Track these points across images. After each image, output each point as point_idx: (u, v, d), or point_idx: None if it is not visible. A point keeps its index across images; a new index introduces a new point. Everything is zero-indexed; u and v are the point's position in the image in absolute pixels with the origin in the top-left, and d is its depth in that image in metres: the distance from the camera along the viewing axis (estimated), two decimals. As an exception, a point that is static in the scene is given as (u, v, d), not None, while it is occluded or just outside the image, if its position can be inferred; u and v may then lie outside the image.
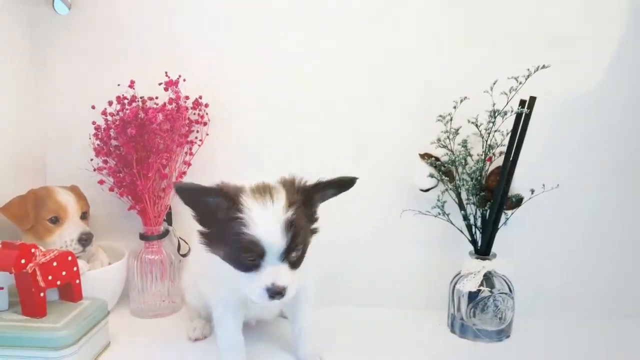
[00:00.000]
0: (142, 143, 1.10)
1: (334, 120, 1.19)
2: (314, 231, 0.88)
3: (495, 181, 1.07)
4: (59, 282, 1.01)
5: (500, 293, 1.08)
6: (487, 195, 1.08)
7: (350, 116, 1.18)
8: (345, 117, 1.18)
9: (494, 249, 1.10)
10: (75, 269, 1.04)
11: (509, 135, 1.02)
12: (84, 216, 1.17)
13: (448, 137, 1.06)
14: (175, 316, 1.22)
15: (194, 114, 1.19)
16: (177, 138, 1.13)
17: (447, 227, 1.12)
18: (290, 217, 0.80)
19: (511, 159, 1.04)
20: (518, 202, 1.10)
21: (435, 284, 1.18)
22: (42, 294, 0.98)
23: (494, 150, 1.06)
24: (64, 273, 1.02)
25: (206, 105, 1.19)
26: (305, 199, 0.84)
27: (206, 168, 1.23)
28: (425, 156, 1.11)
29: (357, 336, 1.11)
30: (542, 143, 1.11)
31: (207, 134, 1.23)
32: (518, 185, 1.08)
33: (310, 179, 0.86)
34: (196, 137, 1.21)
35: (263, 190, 0.81)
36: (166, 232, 1.23)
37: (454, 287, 1.11)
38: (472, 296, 1.08)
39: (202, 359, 1.03)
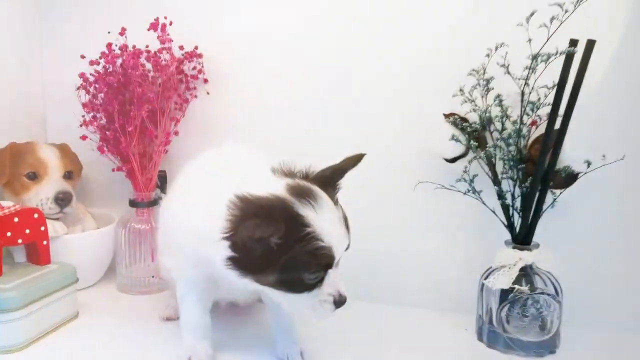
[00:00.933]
0: (126, 94, 0.98)
1: (345, 77, 1.01)
2: None
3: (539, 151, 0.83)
4: (20, 241, 0.91)
5: (542, 294, 0.84)
6: (530, 169, 0.85)
7: (361, 70, 1.00)
8: (355, 70, 1.00)
9: (536, 239, 0.87)
10: (42, 228, 0.94)
11: (555, 87, 0.79)
12: (69, 176, 1.07)
13: (477, 88, 0.84)
14: (165, 294, 1.07)
15: (192, 68, 1.05)
16: (164, 91, 0.99)
17: (478, 209, 0.90)
18: (343, 213, 0.69)
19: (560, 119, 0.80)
20: (570, 178, 0.85)
21: (463, 280, 0.96)
22: (-4, 251, 0.87)
23: (537, 111, 0.82)
24: (27, 231, 0.91)
25: (199, 56, 1.05)
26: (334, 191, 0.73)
27: (203, 130, 1.09)
28: (450, 116, 0.90)
29: (360, 335, 0.91)
30: (602, 99, 0.85)
31: (208, 93, 1.09)
32: (570, 155, 0.83)
33: (308, 165, 0.73)
34: (192, 94, 1.07)
35: (306, 194, 0.66)
36: (157, 200, 1.09)
37: (483, 283, 0.88)
38: (505, 296, 0.85)
39: (171, 340, 0.87)
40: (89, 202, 1.20)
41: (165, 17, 1.01)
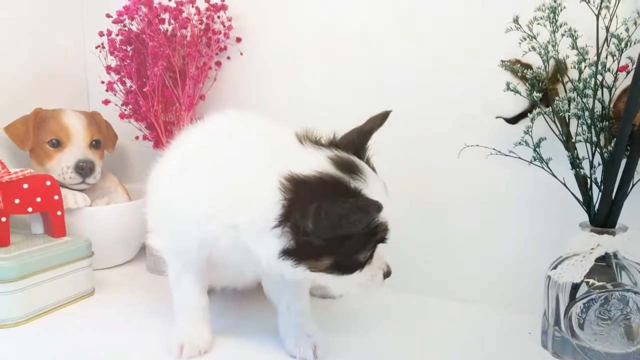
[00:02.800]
0: (145, 53, 0.90)
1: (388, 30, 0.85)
2: None
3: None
4: (30, 209, 0.86)
5: (627, 291, 0.64)
6: (617, 129, 0.65)
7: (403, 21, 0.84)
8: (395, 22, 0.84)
9: (623, 220, 0.66)
10: (56, 197, 0.88)
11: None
12: (96, 145, 1.01)
13: (541, 21, 0.65)
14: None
15: (218, 22, 0.95)
16: (186, 48, 0.90)
17: (547, 181, 0.71)
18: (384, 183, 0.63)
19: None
20: (673, 140, 0.64)
21: (528, 271, 0.77)
22: (2, 219, 0.82)
23: (625, 50, 0.62)
24: (38, 199, 0.86)
25: (224, 8, 0.93)
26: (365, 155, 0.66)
27: (235, 94, 0.98)
28: (510, 64, 0.71)
29: (387, 331, 0.76)
30: None
31: (242, 53, 0.99)
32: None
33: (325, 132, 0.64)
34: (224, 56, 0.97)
35: (352, 167, 0.60)
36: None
37: (549, 275, 0.69)
38: (578, 293, 0.66)
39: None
40: (127, 176, 1.14)
41: None
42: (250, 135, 0.66)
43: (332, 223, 0.53)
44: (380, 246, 0.61)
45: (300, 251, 0.57)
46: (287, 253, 0.57)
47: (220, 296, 0.84)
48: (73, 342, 0.73)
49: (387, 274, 0.63)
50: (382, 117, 0.65)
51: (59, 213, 0.88)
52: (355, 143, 0.64)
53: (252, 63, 1.00)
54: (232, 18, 0.96)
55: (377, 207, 0.54)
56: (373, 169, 0.64)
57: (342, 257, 0.58)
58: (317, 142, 0.63)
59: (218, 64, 0.99)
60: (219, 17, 0.95)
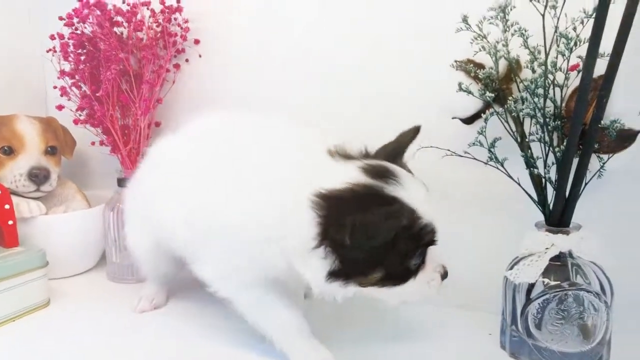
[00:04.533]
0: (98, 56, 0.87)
1: (345, 36, 0.84)
2: None
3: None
4: (-23, 219, 0.83)
5: (582, 290, 0.64)
6: (569, 128, 0.65)
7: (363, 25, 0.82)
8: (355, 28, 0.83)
9: (578, 219, 0.66)
10: (7, 206, 0.85)
11: (594, 14, 0.58)
12: (51, 152, 0.98)
13: (491, 19, 0.64)
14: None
15: (176, 25, 0.93)
16: (138, 51, 0.88)
17: (504, 181, 0.70)
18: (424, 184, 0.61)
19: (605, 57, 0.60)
20: (623, 138, 0.64)
21: (489, 271, 0.76)
22: (-51, 230, 0.80)
23: (575, 49, 0.62)
24: (-13, 209, 0.83)
25: (179, 10, 0.92)
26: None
27: (196, 98, 0.97)
28: (463, 64, 0.70)
29: (356, 335, 0.75)
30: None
31: (200, 56, 0.97)
32: (620, 107, 0.62)
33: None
34: (176, 57, 0.95)
35: (386, 173, 0.58)
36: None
37: (506, 276, 0.69)
38: (533, 293, 0.66)
39: (147, 336, 0.76)
40: (87, 183, 1.12)
41: None
42: (270, 149, 0.63)
43: (368, 234, 0.52)
44: (432, 248, 0.59)
45: (347, 269, 0.54)
46: (333, 274, 0.54)
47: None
48: (26, 355, 0.71)
49: (444, 276, 0.61)
50: (414, 131, 0.65)
51: (10, 222, 0.86)
52: (392, 153, 0.63)
53: (212, 65, 0.98)
54: (188, 20, 0.95)
55: (410, 211, 0.53)
56: (409, 172, 0.62)
57: (392, 268, 0.55)
58: (347, 156, 0.61)
59: (177, 66, 0.97)
60: (175, 19, 0.93)
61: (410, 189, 0.56)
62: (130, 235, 0.83)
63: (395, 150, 0.63)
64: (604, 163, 0.65)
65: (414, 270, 0.58)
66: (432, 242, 0.58)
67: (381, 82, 0.82)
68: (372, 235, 0.52)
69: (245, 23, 0.94)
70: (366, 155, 0.62)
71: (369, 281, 0.56)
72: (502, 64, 0.67)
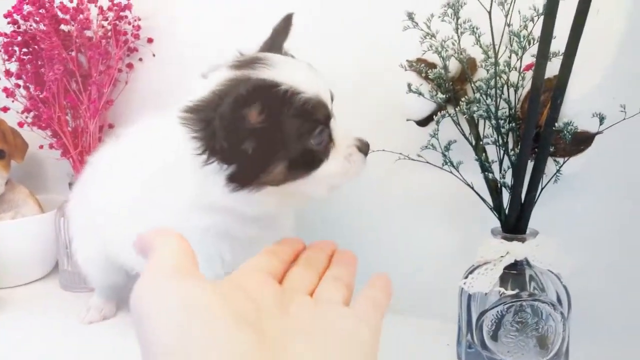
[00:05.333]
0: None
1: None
2: None
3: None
4: None
5: (537, 301, 0.61)
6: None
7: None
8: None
9: (534, 225, 0.64)
10: (-55, 214, 0.81)
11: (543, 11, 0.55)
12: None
13: (449, 16, 0.61)
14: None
15: (127, 24, 0.89)
16: (87, 51, 0.84)
17: (463, 186, 0.67)
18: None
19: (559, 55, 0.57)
20: (580, 140, 0.61)
21: (447, 279, 0.73)
22: None
23: (529, 48, 0.59)
24: None
25: (127, 7, 0.88)
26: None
27: (151, 98, 0.93)
28: (416, 64, 0.67)
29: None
30: (624, 24, 0.61)
31: (154, 55, 0.93)
32: (575, 108, 0.59)
33: None
34: (130, 56, 0.91)
35: (252, 60, 0.55)
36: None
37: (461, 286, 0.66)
38: (487, 303, 0.63)
39: (97, 347, 0.73)
40: (39, 186, 1.07)
41: None
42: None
43: (230, 127, 0.48)
44: (339, 126, 0.56)
45: (242, 169, 0.51)
46: (232, 179, 0.51)
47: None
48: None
49: (362, 148, 0.57)
50: (285, 20, 0.61)
51: (-50, 230, 0.82)
52: (266, 47, 0.60)
53: (167, 64, 0.94)
54: (141, 18, 0.91)
55: (279, 88, 0.49)
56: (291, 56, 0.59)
57: (292, 154, 0.51)
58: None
59: (129, 66, 0.93)
60: (125, 16, 0.89)
61: (283, 68, 0.53)
62: (80, 251, 0.79)
63: (272, 43, 0.61)
64: (560, 167, 0.62)
65: (323, 150, 0.54)
66: (326, 117, 0.54)
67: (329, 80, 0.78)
68: (234, 127, 0.48)
69: (200, 21, 0.90)
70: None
71: (277, 176, 0.52)
72: (456, 64, 0.64)
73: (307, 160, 0.53)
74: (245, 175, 0.51)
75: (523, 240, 0.62)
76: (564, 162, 0.62)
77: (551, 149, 0.61)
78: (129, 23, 0.89)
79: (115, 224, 0.65)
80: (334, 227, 0.81)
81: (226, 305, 0.34)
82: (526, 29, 0.58)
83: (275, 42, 0.61)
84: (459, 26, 0.61)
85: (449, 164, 0.67)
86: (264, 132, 0.50)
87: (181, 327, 0.32)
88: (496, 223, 0.66)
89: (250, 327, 0.34)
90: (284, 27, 0.61)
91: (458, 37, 0.61)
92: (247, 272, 0.42)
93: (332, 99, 0.57)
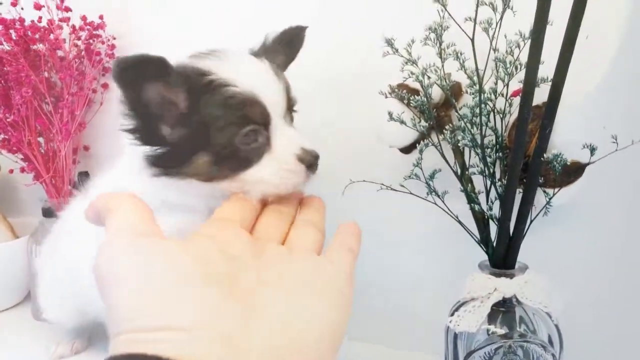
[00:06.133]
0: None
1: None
2: None
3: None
4: None
5: (528, 341, 0.57)
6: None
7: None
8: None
9: (524, 259, 0.60)
10: None
11: (531, 35, 0.52)
12: (-31, 179, 0.91)
13: (430, 37, 0.58)
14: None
15: (97, 41, 0.86)
16: (58, 72, 0.80)
17: (449, 219, 0.64)
18: (270, 64, 0.54)
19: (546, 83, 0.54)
20: (570, 172, 0.58)
21: (435, 314, 0.70)
22: None
23: (516, 74, 0.56)
24: None
25: (100, 27, 0.84)
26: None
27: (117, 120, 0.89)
28: (398, 89, 0.64)
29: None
30: (615, 51, 0.57)
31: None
32: (566, 140, 0.56)
33: None
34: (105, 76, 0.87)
35: (205, 53, 0.53)
36: (78, 208, 0.91)
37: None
38: (474, 343, 0.59)
39: None
40: (12, 209, 1.03)
41: None
42: None
43: (129, 107, 0.47)
44: (286, 130, 0.52)
45: (164, 157, 0.49)
46: (152, 163, 0.49)
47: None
48: None
49: (307, 159, 0.51)
50: (297, 32, 0.60)
51: None
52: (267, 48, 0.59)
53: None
54: (115, 37, 0.87)
55: (119, 61, 0.45)
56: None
57: (217, 148, 0.49)
58: None
59: (104, 86, 0.90)
60: (99, 35, 0.85)
61: (228, 62, 0.51)
62: (50, 309, 0.76)
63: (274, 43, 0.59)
64: (550, 198, 0.59)
65: (253, 152, 0.50)
66: (261, 117, 0.50)
67: (308, 107, 0.75)
68: (133, 110, 0.48)
69: (176, 39, 0.86)
70: None
71: (199, 168, 0.50)
72: (435, 90, 0.60)
73: (233, 159, 0.50)
74: (165, 162, 0.50)
75: (511, 276, 0.59)
76: (554, 194, 0.58)
77: (540, 180, 0.58)
78: (103, 42, 0.86)
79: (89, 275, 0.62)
80: None
81: (193, 261, 0.34)
82: (512, 55, 0.55)
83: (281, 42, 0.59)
84: (442, 51, 0.58)
85: (433, 194, 0.63)
86: (189, 119, 0.48)
87: (147, 288, 0.32)
88: (483, 255, 0.63)
89: (220, 279, 0.34)
90: (292, 38, 0.59)
91: (442, 62, 0.58)
92: (217, 223, 0.42)
93: (290, 106, 0.54)
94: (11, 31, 0.80)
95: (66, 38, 0.84)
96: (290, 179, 0.51)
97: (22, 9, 0.83)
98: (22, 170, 0.88)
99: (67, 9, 0.83)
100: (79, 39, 0.84)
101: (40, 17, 0.82)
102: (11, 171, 0.89)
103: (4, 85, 0.82)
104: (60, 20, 0.82)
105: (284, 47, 0.59)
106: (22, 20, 0.82)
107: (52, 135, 0.83)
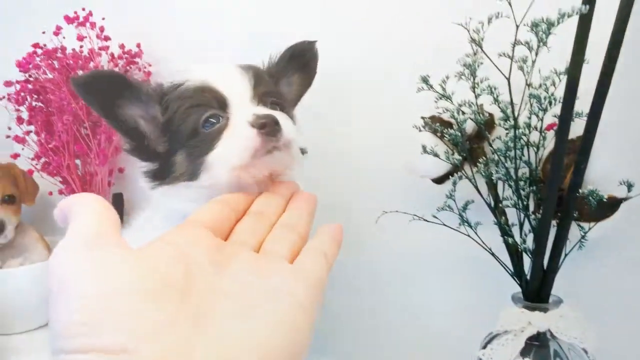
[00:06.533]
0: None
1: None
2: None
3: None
4: None
5: (563, 378, 0.57)
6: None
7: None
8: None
9: (558, 293, 0.60)
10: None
11: (567, 71, 0.52)
12: (9, 200, 0.93)
13: (465, 76, 0.58)
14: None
15: (134, 69, 0.88)
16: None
17: (481, 250, 0.64)
18: (245, 64, 0.56)
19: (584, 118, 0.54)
20: (605, 206, 0.57)
21: (465, 346, 0.70)
22: None
23: (550, 109, 0.56)
24: None
25: (135, 56, 0.87)
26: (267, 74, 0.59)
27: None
28: (432, 121, 0.64)
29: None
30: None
31: (165, 100, 0.92)
32: (602, 174, 0.56)
33: None
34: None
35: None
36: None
37: (479, 357, 0.62)
38: (508, 375, 0.59)
39: None
40: (50, 229, 1.06)
41: (83, 9, 0.85)
42: None
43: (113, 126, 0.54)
44: (248, 109, 0.51)
45: (160, 166, 0.54)
46: (152, 177, 0.54)
47: None
48: None
49: (258, 123, 0.49)
50: (308, 48, 0.61)
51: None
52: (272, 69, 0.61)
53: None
54: (151, 64, 0.90)
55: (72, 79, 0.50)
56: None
57: (187, 141, 0.51)
58: None
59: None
60: (136, 62, 0.88)
61: (196, 68, 0.55)
62: None
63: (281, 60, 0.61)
64: (585, 233, 0.59)
65: (214, 134, 0.51)
66: (216, 101, 0.52)
67: (344, 136, 0.76)
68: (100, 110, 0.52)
69: (210, 66, 0.88)
70: None
71: (179, 167, 0.52)
72: (469, 124, 0.61)
73: (200, 146, 0.51)
74: (162, 171, 0.54)
75: (546, 310, 0.58)
76: (589, 229, 0.58)
77: (575, 214, 0.58)
78: (139, 69, 0.88)
79: None
80: (343, 289, 0.78)
81: (142, 273, 0.32)
82: (547, 91, 0.55)
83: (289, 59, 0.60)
84: (476, 85, 0.58)
85: (466, 224, 0.64)
86: (166, 127, 0.53)
87: (88, 302, 0.30)
88: (514, 287, 0.63)
89: (169, 293, 0.31)
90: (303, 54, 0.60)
91: (475, 97, 0.58)
92: (185, 227, 0.40)
93: (262, 93, 0.54)
94: (53, 62, 0.83)
95: (105, 65, 0.86)
96: (246, 146, 0.49)
97: (63, 37, 0.86)
98: (60, 192, 0.91)
99: (107, 38, 0.85)
100: (116, 66, 0.86)
101: (81, 46, 0.85)
102: (50, 193, 0.91)
103: (46, 112, 0.85)
104: (100, 48, 0.85)
105: (294, 64, 0.60)
106: (63, 49, 0.85)
107: (90, 160, 0.85)
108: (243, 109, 0.52)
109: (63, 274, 0.32)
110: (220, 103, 0.52)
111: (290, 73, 0.60)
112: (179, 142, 0.52)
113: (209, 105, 0.51)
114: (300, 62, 0.60)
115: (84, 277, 0.31)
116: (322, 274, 0.39)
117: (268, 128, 0.49)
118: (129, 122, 0.54)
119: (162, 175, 0.54)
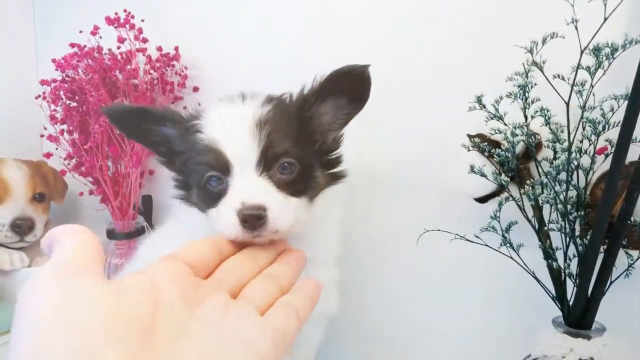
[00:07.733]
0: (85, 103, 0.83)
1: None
2: (334, 173, 0.59)
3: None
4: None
5: (605, 407, 0.56)
6: (594, 217, 0.58)
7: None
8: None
9: (601, 320, 0.59)
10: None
11: (628, 97, 0.51)
12: (40, 198, 0.93)
13: (510, 97, 0.57)
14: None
15: (174, 73, 0.88)
16: (135, 101, 0.83)
17: (522, 272, 0.63)
18: (265, 113, 0.54)
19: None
20: (655, 235, 0.57)
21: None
22: None
23: (602, 133, 0.55)
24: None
25: (175, 58, 0.86)
26: (298, 109, 0.58)
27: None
28: (477, 139, 0.63)
29: None
30: None
31: (200, 104, 0.91)
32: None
33: None
34: (174, 104, 0.89)
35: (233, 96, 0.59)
36: (141, 230, 0.93)
37: (518, 379, 0.61)
38: (548, 401, 0.58)
39: None
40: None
41: (125, 11, 0.84)
42: None
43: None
44: (243, 182, 0.52)
45: (180, 183, 0.59)
46: (176, 186, 0.59)
47: None
48: None
49: (241, 213, 0.48)
50: (359, 73, 0.57)
51: (-12, 277, 0.81)
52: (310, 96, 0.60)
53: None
54: (187, 67, 0.89)
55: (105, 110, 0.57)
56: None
57: (198, 184, 0.55)
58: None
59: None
60: (173, 65, 0.88)
61: (227, 106, 0.57)
62: None
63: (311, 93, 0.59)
64: (633, 262, 0.58)
65: (216, 195, 0.53)
66: (220, 165, 0.52)
67: (385, 152, 0.75)
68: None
69: (244, 70, 0.88)
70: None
71: (193, 199, 0.57)
72: (519, 145, 0.60)
73: (206, 198, 0.55)
74: (182, 188, 0.59)
75: (589, 338, 0.58)
76: (638, 257, 0.57)
77: (623, 241, 0.57)
78: (177, 73, 0.88)
79: None
80: (384, 309, 0.78)
81: (110, 310, 0.31)
82: (604, 117, 0.54)
83: (335, 88, 0.57)
84: (527, 106, 0.57)
85: (508, 246, 0.63)
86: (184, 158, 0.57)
87: (48, 334, 0.29)
88: (551, 311, 0.62)
89: (135, 332, 0.31)
90: (354, 83, 0.57)
91: (526, 119, 0.57)
92: (167, 262, 0.39)
93: (271, 157, 0.53)
94: (90, 62, 0.82)
95: (141, 67, 0.86)
96: (228, 230, 0.49)
97: (100, 37, 0.86)
98: (91, 192, 0.90)
99: (145, 40, 0.85)
100: (153, 68, 0.86)
101: (118, 47, 0.85)
102: (81, 194, 0.91)
103: (81, 112, 0.85)
104: (137, 50, 0.85)
105: (343, 86, 0.57)
106: (100, 50, 0.85)
107: (123, 161, 0.85)
108: (242, 176, 0.52)
109: (29, 302, 0.31)
110: (222, 167, 0.53)
111: (338, 96, 0.58)
112: (193, 182, 0.56)
113: (212, 167, 0.53)
114: (349, 85, 0.57)
115: (47, 308, 0.31)
116: (289, 331, 0.39)
117: (250, 224, 0.48)
118: (157, 141, 0.59)
119: (182, 190, 0.59)
